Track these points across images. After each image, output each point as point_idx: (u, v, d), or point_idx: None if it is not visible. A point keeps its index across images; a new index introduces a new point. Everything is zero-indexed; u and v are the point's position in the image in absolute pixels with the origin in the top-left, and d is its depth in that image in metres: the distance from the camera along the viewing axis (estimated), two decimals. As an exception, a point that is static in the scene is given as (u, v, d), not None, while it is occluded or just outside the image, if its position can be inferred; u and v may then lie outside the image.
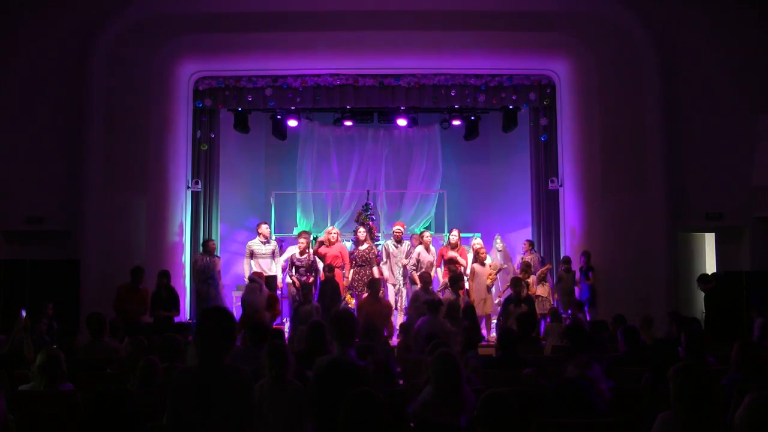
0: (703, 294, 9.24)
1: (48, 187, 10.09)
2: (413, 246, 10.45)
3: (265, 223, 10.55)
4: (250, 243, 10.28)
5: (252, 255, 10.14)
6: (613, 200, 10.01)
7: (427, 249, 10.17)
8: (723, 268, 9.85)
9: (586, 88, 10.28)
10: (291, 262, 9.98)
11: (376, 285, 8.62)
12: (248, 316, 8.68)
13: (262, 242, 10.21)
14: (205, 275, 9.86)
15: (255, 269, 10.01)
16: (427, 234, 10.47)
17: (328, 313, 9.02)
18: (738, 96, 10.24)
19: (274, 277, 10.22)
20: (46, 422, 4.52)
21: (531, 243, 10.82)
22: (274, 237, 11.36)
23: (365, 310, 8.29)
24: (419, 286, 9.00)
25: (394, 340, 8.54)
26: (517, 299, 8.56)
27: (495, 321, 9.84)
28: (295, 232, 12.39)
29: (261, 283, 9.14)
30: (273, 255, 10.29)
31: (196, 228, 11.03)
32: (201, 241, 10.88)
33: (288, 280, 10.11)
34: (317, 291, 9.43)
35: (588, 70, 10.22)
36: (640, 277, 9.75)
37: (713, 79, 10.29)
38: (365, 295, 8.89)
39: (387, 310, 8.55)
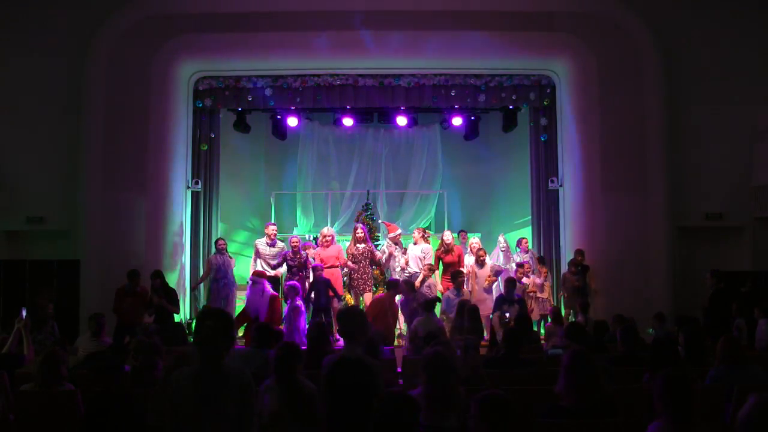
0: (702, 294, 9.22)
1: (48, 187, 10.11)
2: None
3: (273, 224, 10.52)
4: (257, 241, 10.38)
5: (258, 254, 10.20)
6: (613, 200, 10.01)
7: (415, 243, 10.19)
8: (723, 268, 9.84)
9: (586, 88, 10.28)
10: (284, 262, 10.01)
11: (395, 286, 8.69)
12: (248, 318, 8.68)
13: (267, 243, 10.23)
14: (220, 274, 9.87)
15: (259, 269, 10.03)
16: (416, 232, 10.49)
17: (325, 312, 9.06)
18: (738, 95, 10.25)
19: (278, 279, 10.24)
20: (46, 422, 4.52)
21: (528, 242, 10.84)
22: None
23: (381, 308, 8.38)
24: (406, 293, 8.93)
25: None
26: (510, 299, 8.60)
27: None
28: (295, 232, 12.42)
29: (263, 282, 9.12)
30: (280, 257, 10.31)
31: (196, 228, 11.03)
32: (201, 241, 10.92)
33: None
34: (309, 291, 9.48)
35: (588, 70, 10.22)
36: (640, 277, 9.76)
37: (713, 78, 10.30)
38: (382, 293, 9.00)
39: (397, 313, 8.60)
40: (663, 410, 3.15)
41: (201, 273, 10.55)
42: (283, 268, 10.20)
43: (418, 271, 9.88)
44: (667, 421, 3.14)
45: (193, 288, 10.47)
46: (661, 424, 3.16)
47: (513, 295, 8.73)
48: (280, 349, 3.93)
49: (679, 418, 3.12)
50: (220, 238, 10.48)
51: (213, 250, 10.43)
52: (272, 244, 10.24)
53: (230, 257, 10.28)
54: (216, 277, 10.02)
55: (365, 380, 3.44)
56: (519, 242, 10.75)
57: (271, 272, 10.09)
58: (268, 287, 9.13)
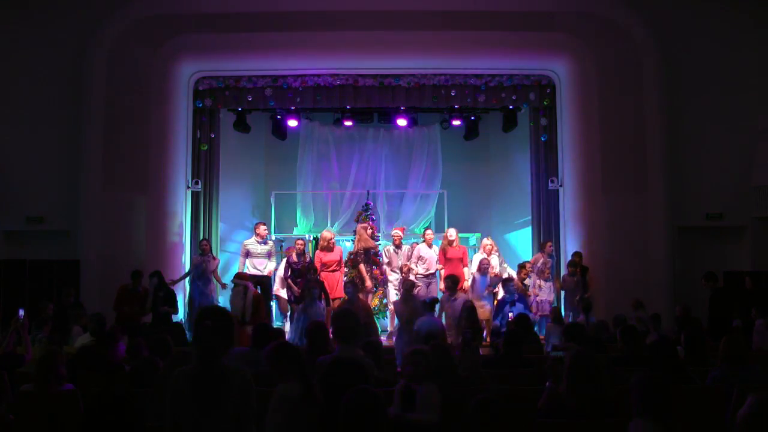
0: (702, 294, 9.22)
1: (48, 187, 10.10)
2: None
3: (263, 223, 10.56)
4: (246, 242, 10.38)
5: (248, 254, 10.18)
6: (613, 200, 10.01)
7: (429, 246, 10.17)
8: (723, 268, 9.84)
9: (586, 88, 10.28)
10: (288, 266, 9.97)
11: (351, 288, 8.57)
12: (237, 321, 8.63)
13: (258, 242, 10.24)
14: (197, 274, 9.89)
15: (249, 268, 10.02)
16: (429, 232, 10.46)
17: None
18: (738, 96, 10.25)
19: (268, 278, 10.23)
20: (46, 422, 4.51)
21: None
22: (273, 237, 11.36)
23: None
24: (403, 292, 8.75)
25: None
26: (512, 300, 8.59)
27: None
28: (295, 232, 12.42)
29: (246, 284, 9.10)
30: (269, 255, 10.31)
31: (196, 228, 11.03)
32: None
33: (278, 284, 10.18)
34: (302, 293, 9.43)
35: (588, 70, 10.22)
36: (640, 277, 9.75)
37: (713, 78, 10.30)
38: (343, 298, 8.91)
39: (364, 311, 8.47)
40: (640, 410, 3.20)
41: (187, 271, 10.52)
42: (272, 265, 10.23)
43: (434, 271, 9.90)
44: (642, 420, 3.18)
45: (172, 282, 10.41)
46: (640, 423, 3.20)
47: (514, 294, 8.73)
48: (276, 348, 3.94)
49: (656, 418, 3.16)
50: (204, 239, 10.48)
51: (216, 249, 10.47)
52: (263, 242, 10.27)
53: (213, 257, 10.25)
54: (195, 277, 10.02)
55: (361, 381, 3.44)
56: (544, 245, 10.41)
57: (262, 271, 10.12)
58: (252, 287, 9.16)
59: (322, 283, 9.41)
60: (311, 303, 8.34)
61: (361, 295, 9.36)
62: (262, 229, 10.34)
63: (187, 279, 10.25)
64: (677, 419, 3.21)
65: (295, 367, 3.75)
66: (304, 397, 3.65)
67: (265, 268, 10.18)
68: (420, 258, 10.06)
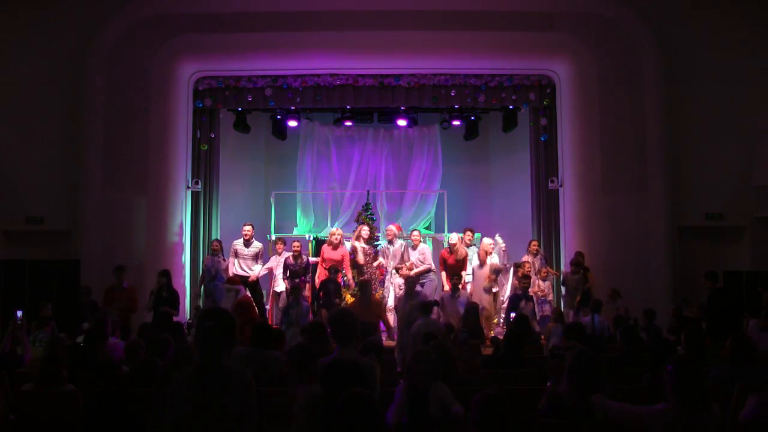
0: (702, 294, 9.21)
1: (48, 187, 10.10)
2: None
3: (249, 224, 10.50)
4: (234, 243, 10.40)
5: (236, 254, 10.23)
6: (613, 200, 10.01)
7: (414, 248, 10.13)
8: (723, 268, 9.84)
9: (586, 88, 10.28)
10: (285, 267, 9.97)
11: (366, 287, 8.56)
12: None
13: (244, 243, 10.25)
14: (211, 275, 9.90)
15: (238, 270, 10.03)
16: (415, 233, 10.42)
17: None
18: (738, 96, 10.25)
19: (256, 280, 10.25)
20: (46, 422, 4.51)
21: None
22: (274, 236, 11.35)
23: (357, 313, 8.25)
24: (403, 291, 8.79)
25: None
26: (526, 296, 8.61)
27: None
28: (295, 232, 12.41)
29: (237, 289, 9.12)
30: (256, 257, 10.30)
31: (196, 228, 11.03)
32: (201, 241, 10.93)
33: (281, 286, 10.21)
34: (319, 291, 9.42)
35: (588, 70, 10.22)
36: (640, 277, 9.75)
37: (713, 78, 10.30)
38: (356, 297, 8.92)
39: (378, 310, 8.47)
40: (672, 393, 3.22)
41: (200, 273, 10.55)
42: (258, 267, 10.28)
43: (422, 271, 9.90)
44: (675, 404, 3.19)
45: (197, 293, 10.50)
46: (669, 406, 3.22)
47: (528, 291, 8.75)
48: (296, 349, 3.93)
49: (687, 401, 3.18)
50: (215, 240, 10.49)
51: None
52: (248, 244, 10.26)
53: (223, 259, 10.28)
54: (208, 278, 10.03)
55: (360, 383, 3.44)
56: (529, 244, 10.61)
57: (249, 272, 10.15)
58: (244, 290, 9.16)
59: (338, 283, 9.41)
60: (295, 304, 8.35)
61: (378, 295, 9.43)
62: (245, 230, 10.36)
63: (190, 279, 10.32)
64: (709, 404, 3.24)
65: (315, 367, 3.74)
66: (326, 398, 3.65)
67: (252, 270, 10.19)
68: (402, 258, 10.09)
